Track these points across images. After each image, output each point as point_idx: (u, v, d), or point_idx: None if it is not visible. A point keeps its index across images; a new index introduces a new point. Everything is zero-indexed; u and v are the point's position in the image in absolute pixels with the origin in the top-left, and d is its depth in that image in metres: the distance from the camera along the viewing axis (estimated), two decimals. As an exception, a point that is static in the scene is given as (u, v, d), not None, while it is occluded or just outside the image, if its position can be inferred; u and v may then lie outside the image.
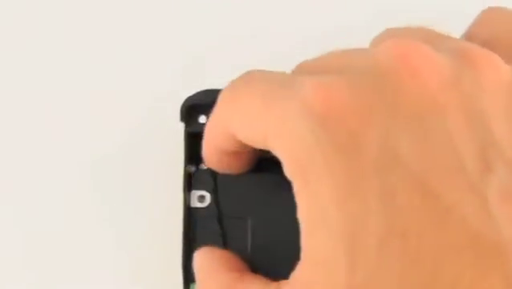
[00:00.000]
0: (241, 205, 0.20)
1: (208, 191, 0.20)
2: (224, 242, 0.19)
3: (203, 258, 0.19)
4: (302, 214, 0.15)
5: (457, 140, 0.15)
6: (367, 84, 0.15)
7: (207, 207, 0.19)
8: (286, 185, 0.15)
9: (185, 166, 0.20)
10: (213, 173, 0.19)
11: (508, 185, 0.14)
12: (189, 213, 0.19)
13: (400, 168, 0.15)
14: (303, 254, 0.15)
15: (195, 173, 0.20)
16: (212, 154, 0.18)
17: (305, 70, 0.17)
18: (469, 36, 0.18)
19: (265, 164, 0.19)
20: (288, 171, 0.15)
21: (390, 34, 0.17)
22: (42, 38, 0.25)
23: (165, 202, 0.21)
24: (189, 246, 0.19)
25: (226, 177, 0.19)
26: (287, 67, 0.21)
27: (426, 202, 0.14)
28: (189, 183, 0.20)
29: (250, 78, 0.17)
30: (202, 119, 0.20)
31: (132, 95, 0.24)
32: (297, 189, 0.15)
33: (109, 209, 0.23)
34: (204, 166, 0.20)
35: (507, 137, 0.15)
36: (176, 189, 0.20)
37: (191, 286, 0.19)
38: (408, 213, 0.14)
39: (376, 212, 0.14)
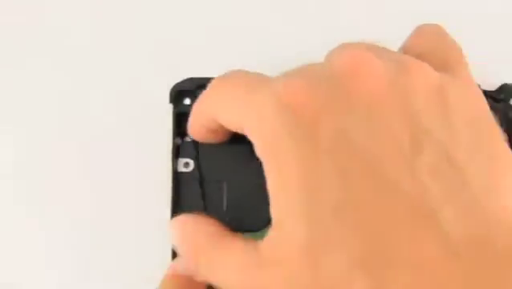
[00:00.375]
0: (218, 170, 0.21)
1: (191, 158, 0.21)
2: (204, 201, 0.21)
3: (180, 221, 0.19)
4: (270, 187, 0.16)
5: (395, 127, 0.16)
6: (324, 84, 0.16)
7: (191, 172, 0.21)
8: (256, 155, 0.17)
9: (173, 139, 0.22)
10: (195, 144, 0.21)
11: (436, 163, 0.16)
12: (177, 177, 0.21)
13: (351, 149, 0.15)
14: (273, 220, 0.16)
15: (181, 145, 0.21)
16: (196, 130, 0.20)
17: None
18: (405, 48, 0.20)
19: (239, 136, 0.19)
20: (259, 150, 0.16)
21: (343, 46, 0.18)
22: (36, 24, 0.26)
23: (157, 169, 0.23)
24: (177, 203, 0.21)
25: (207, 147, 0.21)
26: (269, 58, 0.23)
27: (373, 178, 0.15)
28: (177, 152, 0.21)
29: (235, 74, 0.18)
30: (187, 101, 0.22)
31: (133, 85, 0.26)
32: (265, 165, 0.16)
33: (105, 183, 0.24)
34: (188, 139, 0.21)
35: (435, 127, 0.16)
36: (166, 158, 0.22)
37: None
38: (357, 187, 0.15)
39: (331, 185, 0.15)
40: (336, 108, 0.16)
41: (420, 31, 0.20)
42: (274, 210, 0.16)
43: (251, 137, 0.17)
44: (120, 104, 0.25)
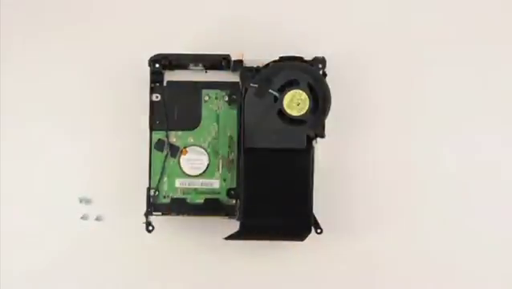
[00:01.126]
0: (173, 100, 0.38)
1: (159, 93, 0.39)
2: (166, 114, 0.37)
3: None
4: None
5: None
6: None
7: (159, 101, 0.38)
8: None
9: (150, 83, 0.38)
10: (162, 86, 0.38)
11: None
12: (152, 103, 0.38)
13: None
14: None
15: (154, 86, 0.39)
16: None
17: None
18: None
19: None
20: None
21: None
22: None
23: (141, 96, 0.39)
24: (152, 113, 0.38)
25: (167, 88, 0.38)
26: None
27: None
28: (152, 90, 0.39)
29: None
30: (157, 65, 0.38)
31: (131, 57, 0.40)
32: None
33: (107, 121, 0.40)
34: (158, 84, 0.38)
35: None
36: (147, 91, 0.38)
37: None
38: None
39: None
40: None
41: None
42: None
43: None
44: (126, 66, 0.42)
